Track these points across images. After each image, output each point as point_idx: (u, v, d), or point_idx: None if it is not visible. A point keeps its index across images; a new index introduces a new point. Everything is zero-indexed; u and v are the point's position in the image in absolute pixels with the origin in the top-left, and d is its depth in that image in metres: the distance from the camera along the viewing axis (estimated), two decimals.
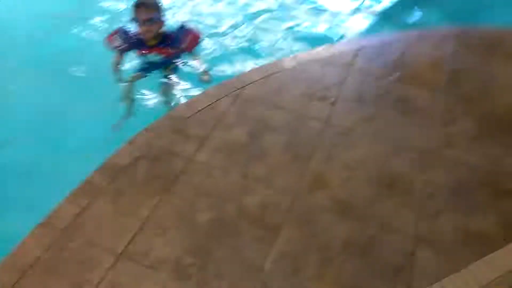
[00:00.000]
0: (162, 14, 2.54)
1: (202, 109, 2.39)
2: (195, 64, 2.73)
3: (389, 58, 2.77)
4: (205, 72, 2.64)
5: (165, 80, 2.75)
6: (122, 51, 2.61)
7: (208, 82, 2.62)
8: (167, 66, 2.72)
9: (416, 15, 3.61)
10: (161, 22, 2.54)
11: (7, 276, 1.48)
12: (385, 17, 3.60)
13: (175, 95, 2.77)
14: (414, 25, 3.45)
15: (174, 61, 2.73)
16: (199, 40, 2.71)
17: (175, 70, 2.78)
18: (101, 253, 1.61)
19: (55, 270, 1.53)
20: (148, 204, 1.84)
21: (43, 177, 2.26)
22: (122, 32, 2.58)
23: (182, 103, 2.50)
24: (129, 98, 2.67)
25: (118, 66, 2.62)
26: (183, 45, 2.62)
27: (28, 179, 2.27)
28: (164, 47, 2.60)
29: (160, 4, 2.55)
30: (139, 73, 2.72)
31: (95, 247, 1.64)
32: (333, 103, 2.45)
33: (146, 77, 2.73)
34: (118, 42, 2.57)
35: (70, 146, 2.50)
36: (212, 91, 2.54)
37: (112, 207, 1.82)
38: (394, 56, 2.78)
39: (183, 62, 2.80)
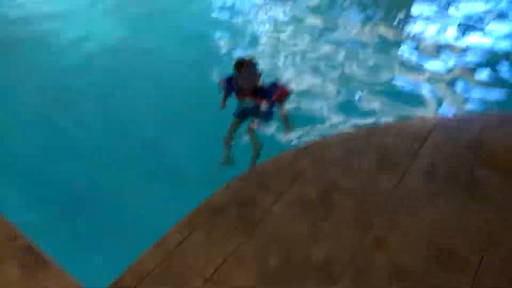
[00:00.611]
0: (258, 70, 3.09)
1: (284, 166, 2.84)
2: (280, 115, 3.24)
3: (465, 137, 2.95)
4: (288, 124, 3.12)
5: (253, 126, 3.28)
6: (227, 93, 3.24)
7: (288, 133, 3.09)
8: (258, 113, 3.26)
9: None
10: (257, 77, 3.08)
11: (129, 281, 2.04)
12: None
13: (261, 142, 3.28)
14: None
15: (264, 109, 3.24)
16: (288, 95, 3.21)
17: (265, 118, 3.30)
18: (194, 275, 2.10)
19: (161, 282, 2.05)
20: (233, 241, 2.30)
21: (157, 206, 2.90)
22: (229, 79, 3.20)
23: (268, 159, 2.99)
24: (229, 142, 3.27)
25: (223, 104, 3.27)
26: (273, 97, 3.12)
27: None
28: (257, 95, 3.14)
29: (257, 62, 3.10)
30: (237, 119, 3.32)
31: (191, 269, 2.13)
32: (402, 174, 2.71)
33: (243, 124, 3.31)
34: (225, 85, 3.22)
35: (176, 179, 3.15)
36: (294, 150, 2.99)
37: (206, 239, 2.32)
38: (470, 136, 2.95)
39: (271, 111, 3.29)
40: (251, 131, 3.30)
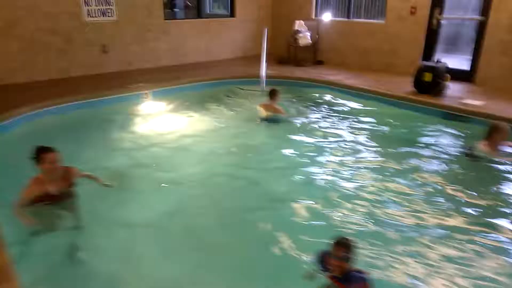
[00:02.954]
0: (353, 255, 2.87)
1: None
2: None
3: None
4: None
5: None
6: (321, 269, 3.04)
7: None
8: None
9: None
10: (349, 262, 2.86)
11: None
12: None
13: None
14: None
15: None
16: None
17: None
18: None
19: None
20: None
21: None
22: (324, 254, 3.04)
23: None
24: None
25: (312, 274, 3.12)
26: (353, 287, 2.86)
27: None
28: (340, 281, 2.91)
29: (353, 246, 2.90)
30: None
31: None
32: None
33: None
34: (317, 259, 3.09)
35: None
36: None
37: None
38: None
39: None
40: None
